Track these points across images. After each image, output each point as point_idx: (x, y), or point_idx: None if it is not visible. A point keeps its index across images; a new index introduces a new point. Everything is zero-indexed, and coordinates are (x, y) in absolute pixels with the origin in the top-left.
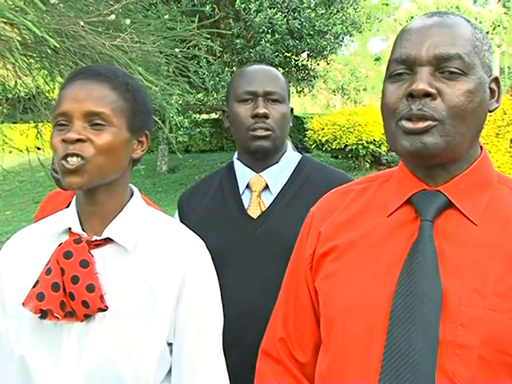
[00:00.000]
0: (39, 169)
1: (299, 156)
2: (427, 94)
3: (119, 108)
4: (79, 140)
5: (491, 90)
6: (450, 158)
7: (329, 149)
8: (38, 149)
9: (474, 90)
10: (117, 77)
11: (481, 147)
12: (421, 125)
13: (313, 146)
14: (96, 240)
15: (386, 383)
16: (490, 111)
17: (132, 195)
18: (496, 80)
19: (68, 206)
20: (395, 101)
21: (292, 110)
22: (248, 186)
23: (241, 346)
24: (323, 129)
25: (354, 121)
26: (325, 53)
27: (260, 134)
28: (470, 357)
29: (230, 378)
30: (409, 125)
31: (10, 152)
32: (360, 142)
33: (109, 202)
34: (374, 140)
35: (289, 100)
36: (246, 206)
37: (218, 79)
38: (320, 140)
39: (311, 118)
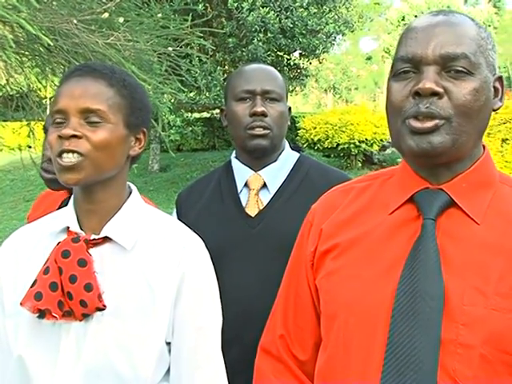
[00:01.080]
0: (30, 167)
1: (297, 155)
2: (434, 93)
3: (116, 104)
4: (75, 136)
5: (495, 89)
6: (455, 157)
7: (321, 148)
8: (29, 147)
9: (480, 88)
10: (113, 74)
11: (483, 146)
12: (429, 124)
13: (305, 145)
14: (94, 239)
15: (388, 381)
16: (494, 110)
17: (130, 193)
18: (500, 79)
19: (60, 207)
20: (401, 99)
21: (290, 108)
22: (246, 185)
23: (239, 343)
24: (315, 128)
25: (346, 120)
26: (317, 52)
27: (258, 133)
28: (472, 356)
29: (228, 375)
30: (417, 124)
31: (1, 150)
32: (352, 141)
33: (107, 200)
34: (366, 139)
35: (287, 99)
36: (243, 205)
37: (210, 78)
38: (312, 139)
39: (303, 117)
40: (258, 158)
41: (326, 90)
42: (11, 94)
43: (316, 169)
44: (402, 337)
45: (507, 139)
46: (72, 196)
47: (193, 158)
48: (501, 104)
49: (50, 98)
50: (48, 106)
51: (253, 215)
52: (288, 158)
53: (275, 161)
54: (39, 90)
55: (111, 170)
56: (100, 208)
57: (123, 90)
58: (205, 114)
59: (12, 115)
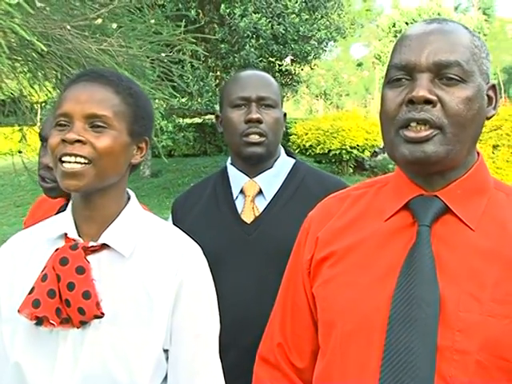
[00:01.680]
0: (21, 172)
1: (293, 161)
2: (427, 101)
3: (121, 112)
4: (78, 141)
5: (489, 98)
6: (449, 166)
7: (312, 154)
8: (20, 152)
9: (473, 97)
10: (120, 81)
11: (478, 153)
12: (423, 133)
13: (296, 151)
14: (92, 246)
15: None
16: (488, 118)
17: (129, 200)
18: (493, 87)
19: (58, 212)
20: (395, 108)
21: (285, 114)
22: (242, 191)
23: (236, 349)
24: (307, 134)
25: (338, 126)
26: (309, 58)
27: (253, 141)
28: (468, 362)
29: (226, 380)
30: (411, 134)
31: None
32: (343, 147)
33: (106, 207)
34: (358, 145)
35: (281, 105)
36: (239, 211)
37: (202, 84)
38: (304, 145)
39: (295, 122)
40: (254, 165)
41: (317, 96)
42: (3, 99)
43: (312, 175)
44: (399, 343)
45: (498, 145)
46: (70, 202)
47: (184, 163)
48: (494, 112)
49: (41, 104)
50: (39, 111)
51: (249, 222)
52: (284, 164)
53: (271, 167)
54: (31, 95)
55: (113, 177)
56: (99, 215)
57: (129, 98)
58: (196, 120)
59: (3, 120)
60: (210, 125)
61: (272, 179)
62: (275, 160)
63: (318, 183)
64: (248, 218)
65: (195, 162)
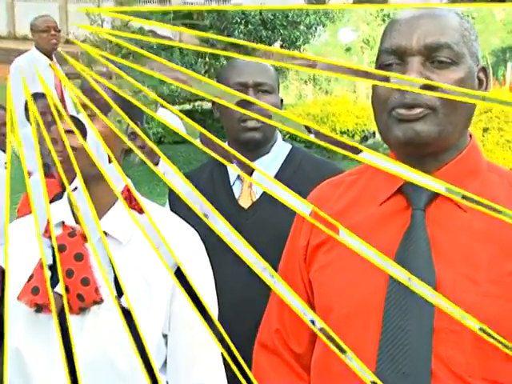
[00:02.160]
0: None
1: (289, 146)
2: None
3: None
4: (70, 132)
5: (479, 80)
6: (441, 147)
7: (302, 139)
8: None
9: (465, 78)
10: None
11: (470, 136)
12: (415, 111)
13: (287, 137)
14: None
15: (383, 370)
16: None
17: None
18: (483, 69)
19: (52, 200)
20: (386, 91)
21: (282, 100)
22: (239, 177)
23: (233, 334)
24: None
25: (328, 111)
26: (298, 43)
27: (251, 126)
28: (465, 343)
29: (224, 365)
30: (403, 111)
31: None
32: (334, 132)
33: (102, 194)
34: (348, 130)
35: (278, 90)
36: (236, 197)
37: (191, 70)
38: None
39: (285, 108)
40: (251, 151)
41: (306, 82)
42: None
43: (309, 160)
44: (396, 326)
45: (488, 128)
46: (66, 190)
47: (174, 150)
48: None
49: None
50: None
51: (246, 207)
52: (280, 149)
53: (268, 152)
54: None
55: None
56: (95, 202)
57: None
58: (186, 106)
59: None
60: (199, 111)
61: (269, 164)
62: (272, 145)
63: (315, 168)
64: (245, 203)
65: (185, 149)
